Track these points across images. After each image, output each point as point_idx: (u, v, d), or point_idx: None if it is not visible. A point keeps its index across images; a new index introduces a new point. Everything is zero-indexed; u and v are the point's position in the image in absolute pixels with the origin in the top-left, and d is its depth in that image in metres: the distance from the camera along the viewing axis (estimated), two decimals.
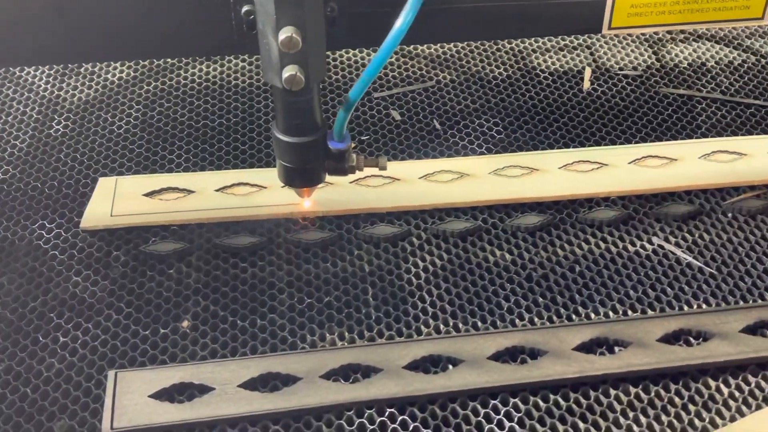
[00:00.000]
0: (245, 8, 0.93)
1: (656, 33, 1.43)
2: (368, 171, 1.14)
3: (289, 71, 0.85)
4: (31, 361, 0.94)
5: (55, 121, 1.26)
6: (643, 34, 1.43)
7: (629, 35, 1.43)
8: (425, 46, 1.40)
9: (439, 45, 1.41)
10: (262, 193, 1.13)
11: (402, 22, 0.81)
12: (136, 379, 0.92)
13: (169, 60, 1.36)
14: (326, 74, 0.90)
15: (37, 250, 1.06)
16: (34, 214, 1.11)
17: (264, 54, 0.87)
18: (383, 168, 1.01)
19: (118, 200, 1.12)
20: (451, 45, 1.41)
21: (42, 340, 0.96)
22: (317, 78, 0.89)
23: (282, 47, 0.83)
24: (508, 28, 1.10)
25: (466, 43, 1.42)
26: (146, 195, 1.12)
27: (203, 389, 0.91)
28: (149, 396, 0.90)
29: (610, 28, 1.08)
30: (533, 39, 1.43)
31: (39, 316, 0.99)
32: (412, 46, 1.40)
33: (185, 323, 0.99)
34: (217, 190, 1.13)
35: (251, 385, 0.91)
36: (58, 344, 0.96)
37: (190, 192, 1.13)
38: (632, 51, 1.41)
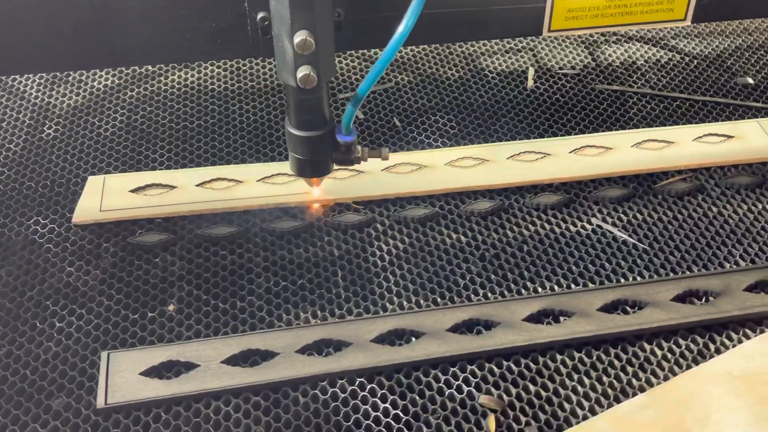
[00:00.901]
0: (260, 15, 0.94)
1: (591, 35, 1.44)
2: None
3: (303, 71, 0.86)
4: (29, 345, 0.94)
5: (46, 125, 1.25)
6: (579, 37, 1.44)
7: (567, 38, 1.44)
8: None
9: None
10: (238, 187, 1.12)
11: (405, 25, 0.82)
12: (127, 359, 0.91)
13: (150, 68, 1.36)
14: (334, 73, 0.91)
15: (33, 244, 1.05)
16: (29, 211, 1.10)
17: (279, 56, 0.88)
18: (385, 158, 1.01)
19: (107, 196, 1.11)
20: (408, 49, 1.41)
21: (39, 326, 0.96)
22: (327, 77, 0.89)
23: (297, 49, 0.84)
24: (459, 32, 1.10)
25: (421, 47, 1.42)
26: (132, 191, 1.12)
27: (189, 366, 0.91)
28: (139, 374, 0.90)
29: (549, 31, 1.09)
30: (482, 42, 1.43)
31: (36, 304, 0.98)
32: (372, 51, 1.40)
33: (171, 307, 0.98)
34: (197, 185, 1.12)
35: (233, 360, 0.91)
36: (54, 329, 0.95)
37: (172, 187, 1.12)
38: (570, 52, 1.41)
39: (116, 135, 1.23)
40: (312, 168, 0.98)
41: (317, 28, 0.84)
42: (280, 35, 0.86)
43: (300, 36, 0.83)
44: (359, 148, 0.98)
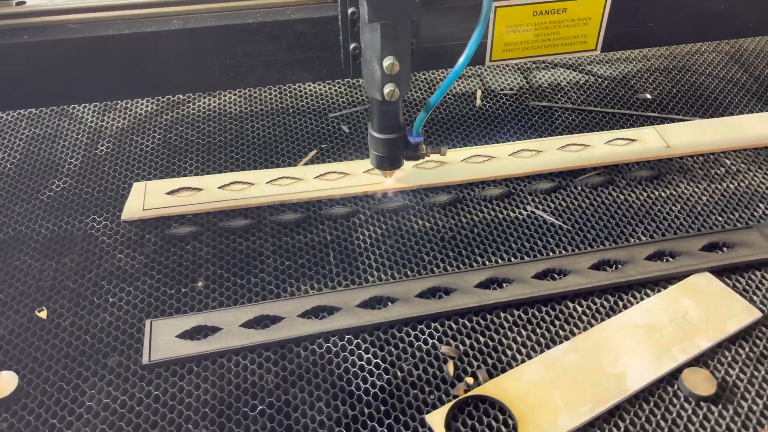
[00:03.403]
0: (353, 45, 0.94)
1: (525, 63, 1.44)
2: (327, 168, 1.15)
3: (388, 87, 0.87)
4: (89, 316, 0.93)
5: (100, 144, 1.24)
6: (516, 64, 1.43)
7: (506, 65, 1.43)
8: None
9: None
10: (251, 188, 1.12)
11: (466, 55, 0.85)
12: (166, 325, 0.91)
13: (180, 96, 1.35)
14: (409, 89, 0.92)
15: (90, 237, 1.05)
16: (87, 211, 1.10)
17: (368, 76, 0.89)
18: (444, 154, 1.02)
19: (148, 198, 1.11)
20: None
21: (96, 301, 0.96)
22: (405, 92, 0.89)
23: (386, 70, 0.85)
24: (421, 63, 1.10)
25: None
26: (168, 193, 1.11)
27: (214, 329, 0.91)
28: (176, 336, 0.90)
29: (491, 61, 1.08)
30: (440, 70, 1.43)
31: (93, 283, 0.98)
32: (355, 80, 1.39)
33: (200, 283, 0.98)
34: (219, 188, 1.12)
35: (249, 324, 0.91)
36: (108, 303, 0.95)
37: (199, 190, 1.12)
38: (509, 77, 1.41)
39: (155, 150, 1.22)
40: (389, 162, 0.99)
41: (400, 54, 0.85)
42: (371, 60, 0.87)
43: (388, 60, 0.84)
44: (424, 146, 0.98)
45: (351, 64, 0.96)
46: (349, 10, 0.91)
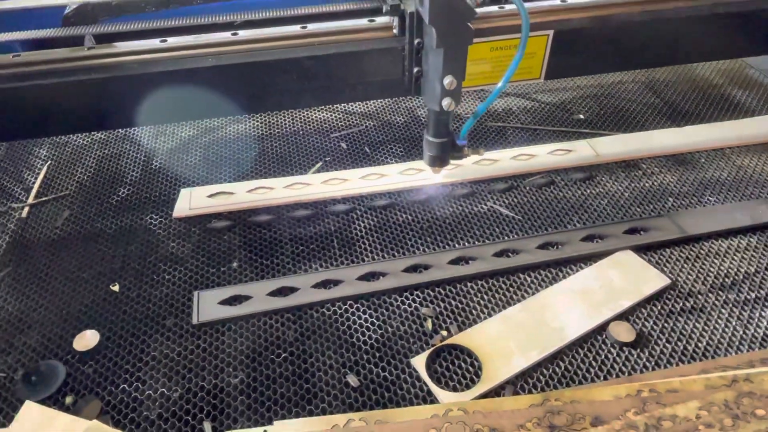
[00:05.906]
0: (416, 69, 0.93)
1: (483, 93, 1.43)
2: (330, 175, 1.16)
3: (446, 101, 0.86)
4: (150, 289, 0.96)
5: (154, 160, 1.25)
6: (476, 94, 1.43)
7: (468, 94, 1.43)
8: (356, 105, 1.40)
9: (363, 103, 1.41)
10: (272, 191, 1.14)
11: (510, 69, 0.84)
12: (210, 295, 0.94)
13: (215, 121, 1.35)
14: (460, 102, 0.92)
15: (150, 230, 1.07)
16: (147, 210, 1.11)
17: (429, 91, 0.88)
18: (481, 154, 1.00)
19: (193, 200, 1.12)
20: (371, 103, 1.41)
21: (155, 278, 0.98)
22: (458, 104, 0.89)
23: (446, 87, 0.84)
24: (402, 90, 1.07)
25: (379, 101, 1.41)
26: (208, 197, 1.13)
27: (247, 298, 0.93)
28: (217, 303, 0.92)
29: None
30: (416, 99, 1.42)
31: (153, 265, 1.00)
32: (349, 105, 1.39)
33: (234, 264, 1.00)
34: (247, 192, 1.14)
35: (273, 294, 0.93)
36: (165, 279, 0.97)
37: (232, 193, 1.13)
38: (471, 104, 1.41)
39: (197, 164, 1.24)
40: (439, 161, 0.98)
41: (457, 74, 0.84)
42: (433, 79, 0.86)
43: (448, 78, 0.84)
44: (467, 148, 0.98)
45: (413, 84, 0.95)
46: (416, 41, 0.90)
